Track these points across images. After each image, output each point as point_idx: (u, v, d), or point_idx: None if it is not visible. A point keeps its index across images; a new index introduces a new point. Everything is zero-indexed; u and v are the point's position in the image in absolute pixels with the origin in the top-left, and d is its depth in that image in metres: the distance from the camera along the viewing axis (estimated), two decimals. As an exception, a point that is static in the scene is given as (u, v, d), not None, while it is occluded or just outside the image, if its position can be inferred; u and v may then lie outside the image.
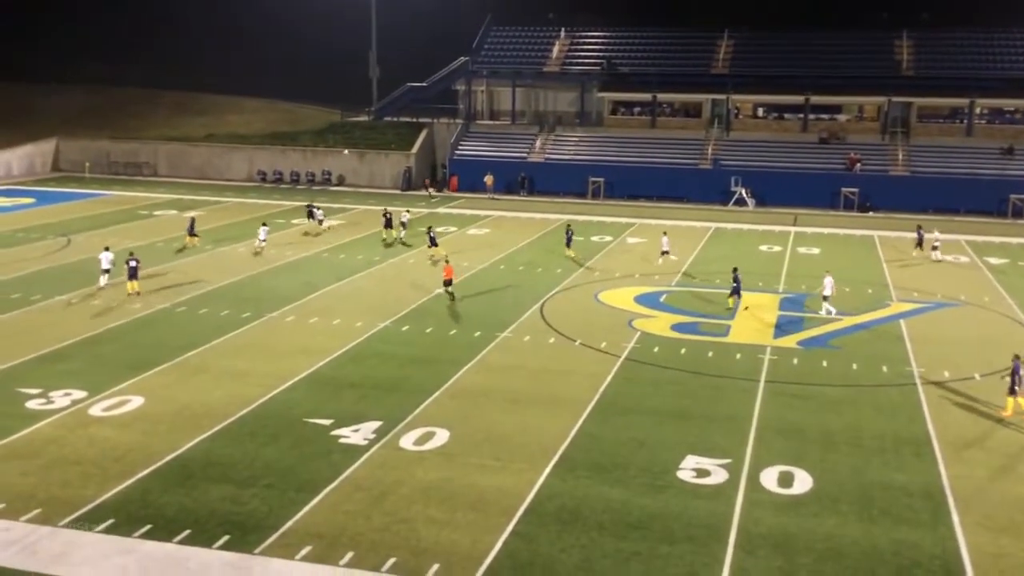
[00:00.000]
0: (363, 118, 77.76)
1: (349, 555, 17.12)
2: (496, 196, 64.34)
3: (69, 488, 19.49)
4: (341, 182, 68.61)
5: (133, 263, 34.94)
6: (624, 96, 70.47)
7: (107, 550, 17.12)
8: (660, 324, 32.82)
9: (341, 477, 20.25)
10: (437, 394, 25.40)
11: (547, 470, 20.78)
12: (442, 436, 22.55)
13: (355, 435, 22.46)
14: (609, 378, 27.05)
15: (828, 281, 34.47)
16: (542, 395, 25.50)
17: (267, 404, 24.40)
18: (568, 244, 43.79)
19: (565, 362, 28.49)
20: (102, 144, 72.61)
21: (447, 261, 37.01)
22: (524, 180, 65.82)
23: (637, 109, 70.54)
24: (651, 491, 19.89)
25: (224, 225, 50.66)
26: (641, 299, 36.40)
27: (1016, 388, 23.88)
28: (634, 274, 40.86)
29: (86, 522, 18.03)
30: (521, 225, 53.46)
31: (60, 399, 24.35)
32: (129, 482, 19.81)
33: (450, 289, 35.27)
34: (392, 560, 16.97)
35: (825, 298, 34.34)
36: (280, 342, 29.81)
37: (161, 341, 29.56)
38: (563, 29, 74.21)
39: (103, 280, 35.74)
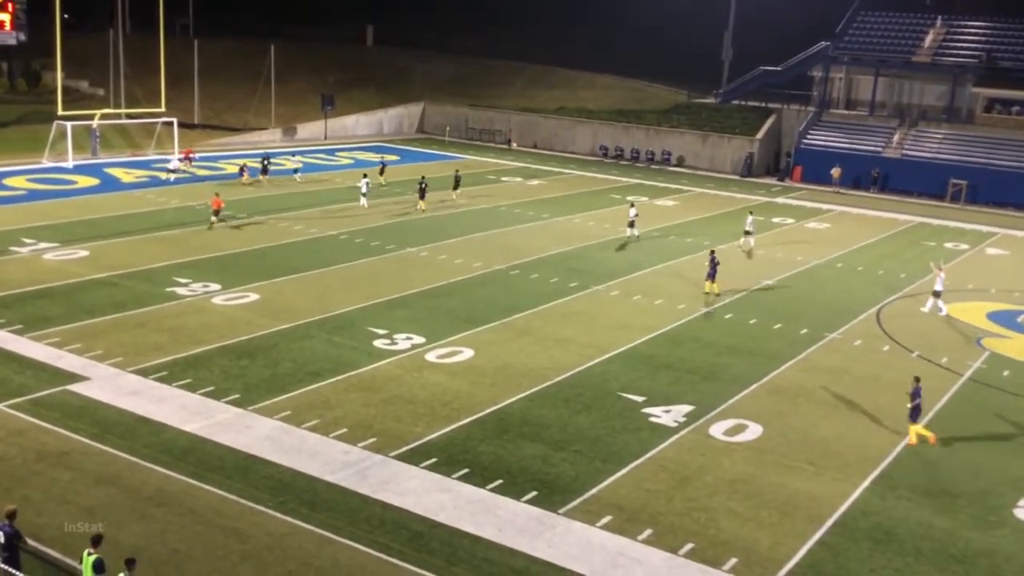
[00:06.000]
0: (710, 100, 76.89)
1: (647, 531, 17.24)
2: (842, 190, 61.10)
3: (401, 423, 21.26)
4: (680, 163, 68.43)
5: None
6: (1003, 93, 63.84)
7: (428, 486, 18.51)
8: (1015, 346, 29.65)
9: (647, 455, 20.39)
10: (754, 387, 24.76)
11: (864, 484, 19.61)
12: (754, 430, 21.97)
13: (666, 416, 22.49)
14: (947, 397, 24.92)
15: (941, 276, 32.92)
16: (868, 404, 24.03)
17: (584, 373, 25.06)
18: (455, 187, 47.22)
19: (898, 373, 26.57)
20: (463, 111, 77.64)
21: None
22: (877, 176, 61.94)
23: (1016, 108, 63.65)
24: (981, 525, 18.15)
25: (562, 196, 52.42)
26: (995, 316, 33.06)
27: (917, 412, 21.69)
28: (990, 288, 37.20)
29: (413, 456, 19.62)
30: (865, 223, 50.44)
31: (402, 342, 26.56)
32: (453, 426, 21.25)
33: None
34: (690, 545, 16.87)
35: (936, 294, 32.63)
36: (602, 315, 30.43)
37: (493, 300, 31.27)
38: (940, 17, 68.52)
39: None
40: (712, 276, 32.95)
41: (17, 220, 38.49)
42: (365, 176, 46.74)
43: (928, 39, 67.47)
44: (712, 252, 33.78)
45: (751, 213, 43.31)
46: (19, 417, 20.43)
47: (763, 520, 17.94)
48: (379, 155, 59.84)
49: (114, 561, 13.59)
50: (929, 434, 21.82)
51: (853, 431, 22.30)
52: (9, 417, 20.42)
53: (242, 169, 50.53)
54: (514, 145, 72.56)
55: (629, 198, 49.37)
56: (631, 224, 41.45)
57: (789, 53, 70.16)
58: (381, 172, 51.56)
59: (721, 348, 27.79)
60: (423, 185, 45.96)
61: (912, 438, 21.83)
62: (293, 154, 60.46)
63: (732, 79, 75.73)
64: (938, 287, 32.66)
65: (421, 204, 45.47)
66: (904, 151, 63.31)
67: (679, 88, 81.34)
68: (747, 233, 41.34)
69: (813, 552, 16.93)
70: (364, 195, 45.31)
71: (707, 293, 33.03)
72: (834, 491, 19.22)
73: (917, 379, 22.14)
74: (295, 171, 52.92)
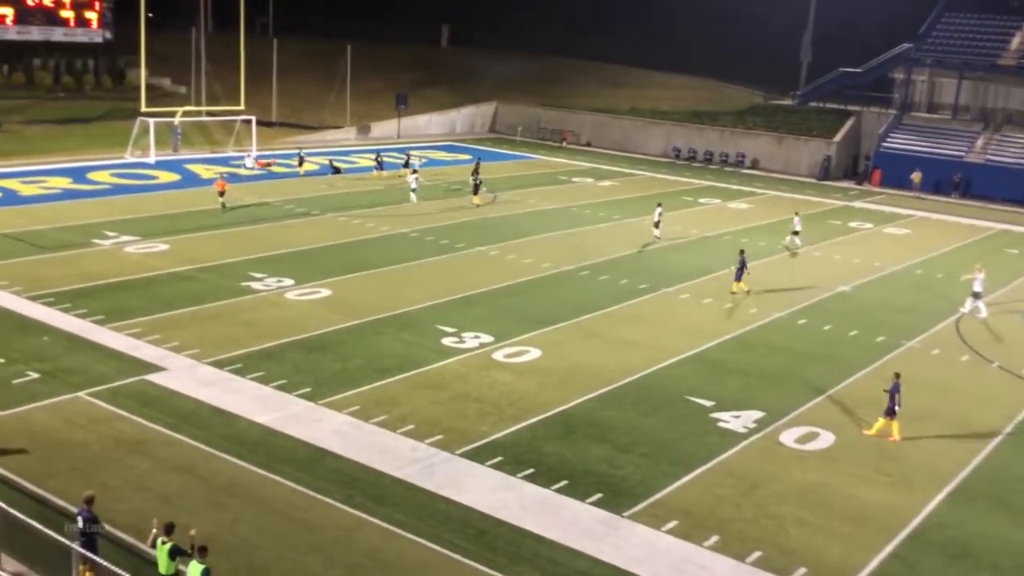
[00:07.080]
0: (787, 101, 75.65)
1: (714, 538, 17.03)
2: (922, 195, 59.59)
3: (467, 421, 21.36)
4: (755, 165, 67.44)
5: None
6: (1093, 96, 61.70)
7: (493, 484, 18.56)
8: (1102, 359, 28.58)
9: (715, 460, 20.15)
10: (827, 395, 24.29)
11: (940, 496, 19.10)
12: (826, 439, 21.56)
13: (735, 421, 22.19)
14: (1029, 410, 24.14)
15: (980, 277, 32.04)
16: (944, 414, 23.40)
17: (652, 376, 24.86)
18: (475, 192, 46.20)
19: (976, 384, 25.85)
20: (535, 110, 77.65)
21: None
22: (958, 181, 60.26)
23: (1108, 112, 61.46)
24: (1063, 544, 17.53)
25: (634, 198, 52.07)
26: (1082, 328, 31.91)
27: (896, 409, 21.41)
28: (1077, 298, 35.91)
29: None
30: (946, 229, 49.10)
31: (470, 340, 26.68)
32: (519, 426, 21.27)
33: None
34: (758, 554, 16.62)
35: (976, 295, 31.90)
36: (672, 318, 30.16)
37: (562, 300, 31.20)
38: (1028, 18, 66.44)
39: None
40: (739, 276, 32.89)
41: (100, 214, 39.67)
42: (415, 173, 47.55)
43: (1015, 41, 65.39)
44: (742, 252, 33.67)
45: (797, 213, 42.90)
46: (98, 405, 21.06)
47: (834, 530, 17.59)
48: (452, 154, 60.24)
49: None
50: (896, 433, 21.49)
51: (927, 442, 21.73)
52: (89, 405, 21.06)
53: (301, 160, 51.85)
54: (565, 144, 72.35)
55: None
56: (656, 224, 41.11)
57: (870, 55, 68.68)
58: (406, 164, 52.72)
59: (794, 354, 27.32)
60: (477, 181, 46.83)
61: (873, 429, 21.70)
62: (367, 152, 61.14)
63: (810, 80, 74.42)
64: (977, 288, 32.09)
65: (475, 199, 46.16)
66: (988, 156, 61.48)
67: (755, 89, 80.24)
68: (794, 233, 41.16)
69: (885, 564, 16.54)
70: (414, 191, 46.08)
71: (734, 293, 32.89)
72: (907, 502, 18.76)
73: (897, 375, 21.86)
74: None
